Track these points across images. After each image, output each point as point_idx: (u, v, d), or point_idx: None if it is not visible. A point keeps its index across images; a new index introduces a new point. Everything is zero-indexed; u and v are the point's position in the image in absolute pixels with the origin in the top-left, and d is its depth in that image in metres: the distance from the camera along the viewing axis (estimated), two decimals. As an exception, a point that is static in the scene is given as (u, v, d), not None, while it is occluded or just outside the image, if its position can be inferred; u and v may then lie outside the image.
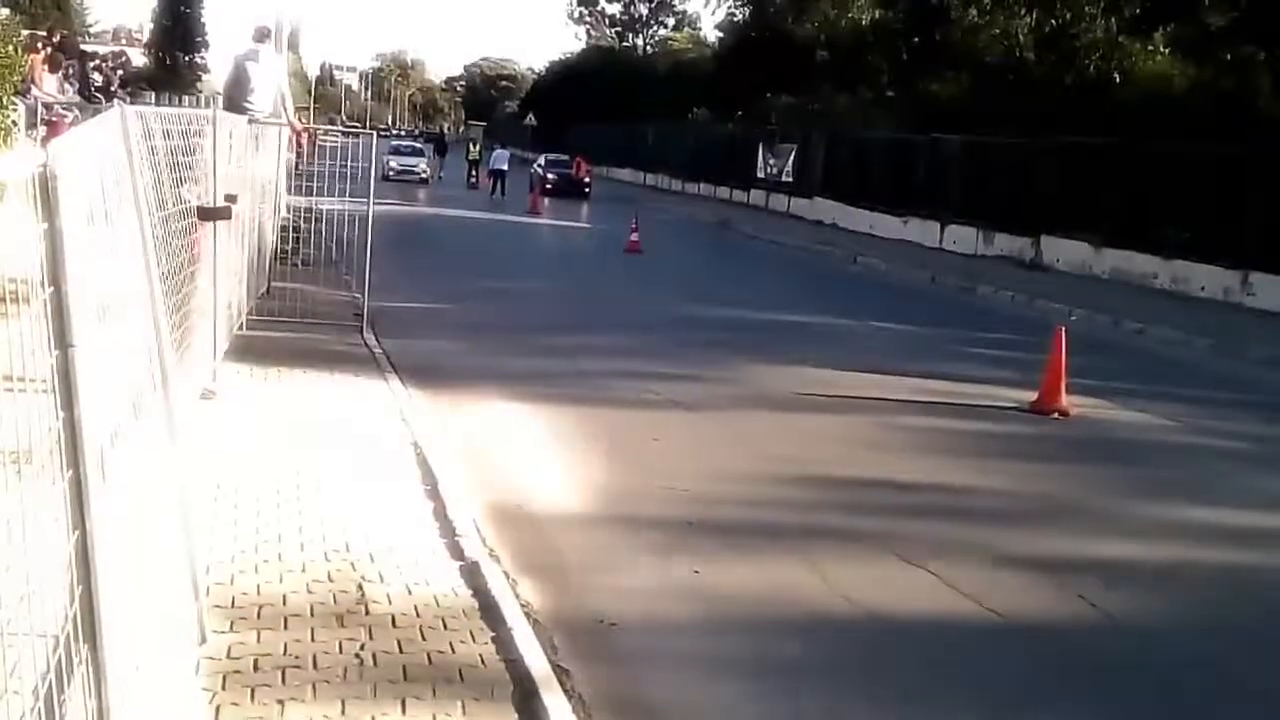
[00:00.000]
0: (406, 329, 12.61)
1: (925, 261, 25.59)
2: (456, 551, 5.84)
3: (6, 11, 15.35)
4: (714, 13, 64.10)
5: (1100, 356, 13.95)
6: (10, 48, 11.94)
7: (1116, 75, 30.75)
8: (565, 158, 46.77)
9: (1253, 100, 25.03)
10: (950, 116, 32.01)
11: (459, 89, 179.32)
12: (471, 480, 7.24)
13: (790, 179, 40.54)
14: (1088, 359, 12.09)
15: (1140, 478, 9.07)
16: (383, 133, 71.08)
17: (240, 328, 10.97)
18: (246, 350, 10.18)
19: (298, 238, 16.70)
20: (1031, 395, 11.03)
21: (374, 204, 12.47)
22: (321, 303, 13.27)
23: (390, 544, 5.84)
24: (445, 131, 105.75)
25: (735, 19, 58.52)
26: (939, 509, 7.69)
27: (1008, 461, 9.29)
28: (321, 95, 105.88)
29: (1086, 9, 33.46)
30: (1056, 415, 10.73)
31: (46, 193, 2.00)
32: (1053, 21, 35.00)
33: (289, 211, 16.56)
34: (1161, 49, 31.33)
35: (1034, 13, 35.72)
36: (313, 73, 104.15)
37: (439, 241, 24.50)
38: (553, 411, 9.57)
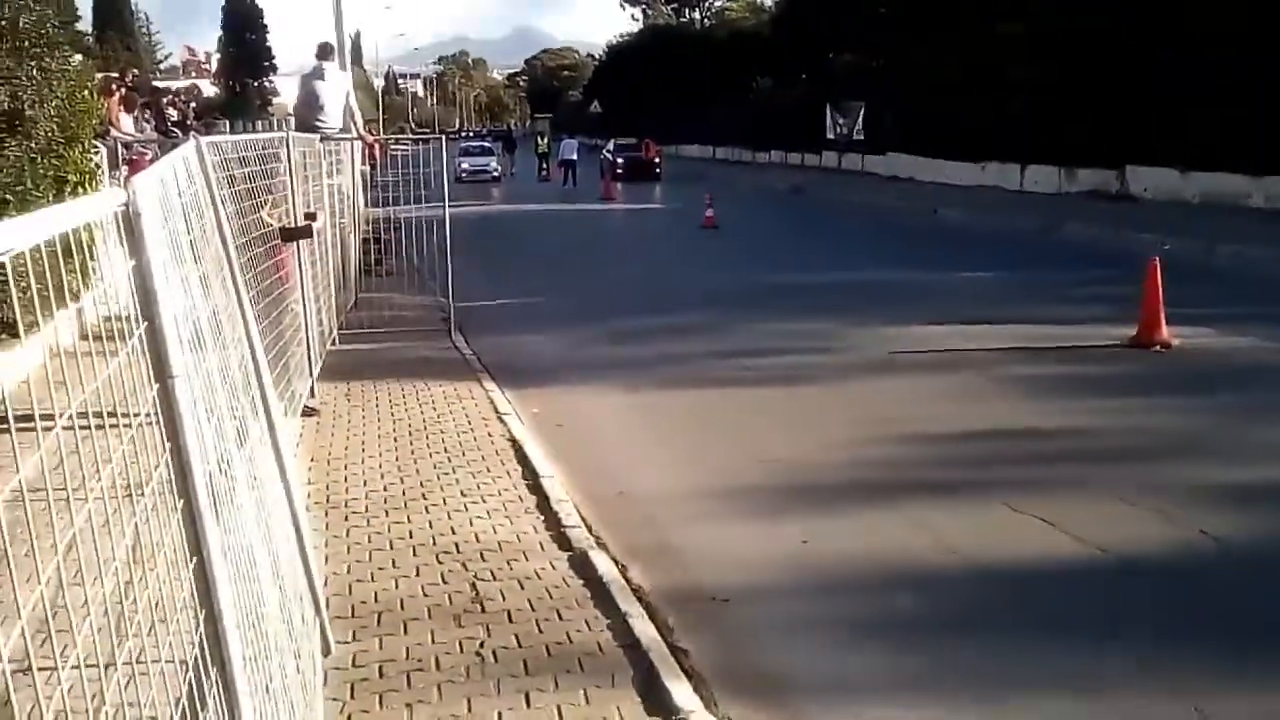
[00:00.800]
0: (493, 327, 12.75)
1: (1007, 205, 25.09)
2: (564, 542, 5.89)
3: (80, 58, 15.71)
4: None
5: (1198, 284, 13.53)
6: (86, 93, 12.25)
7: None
8: (633, 141, 46.71)
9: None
10: (1014, 53, 31.27)
11: (522, 84, 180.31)
12: (572, 471, 7.28)
13: (861, 137, 40.05)
14: (1185, 288, 11.72)
15: (1248, 405, 8.77)
16: (452, 135, 71.82)
17: (333, 342, 11.20)
18: (341, 364, 10.39)
19: (380, 248, 17.00)
20: (1130, 330, 10.77)
21: (450, 207, 12.58)
22: (409, 310, 13.50)
23: (499, 541, 5.91)
24: (512, 127, 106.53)
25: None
26: (1044, 454, 7.55)
27: (1111, 399, 9.06)
28: (389, 104, 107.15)
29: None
30: (1158, 348, 10.47)
31: (131, 230, 2.05)
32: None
33: (369, 223, 16.84)
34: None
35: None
36: (378, 83, 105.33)
37: (517, 237, 24.68)
38: (646, 397, 9.59)
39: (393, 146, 23.35)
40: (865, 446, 7.86)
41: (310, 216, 8.75)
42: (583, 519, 6.30)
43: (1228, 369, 10.02)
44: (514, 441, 7.79)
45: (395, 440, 7.93)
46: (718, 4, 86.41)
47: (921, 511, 6.44)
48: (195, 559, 2.38)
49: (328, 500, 6.56)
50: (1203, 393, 9.28)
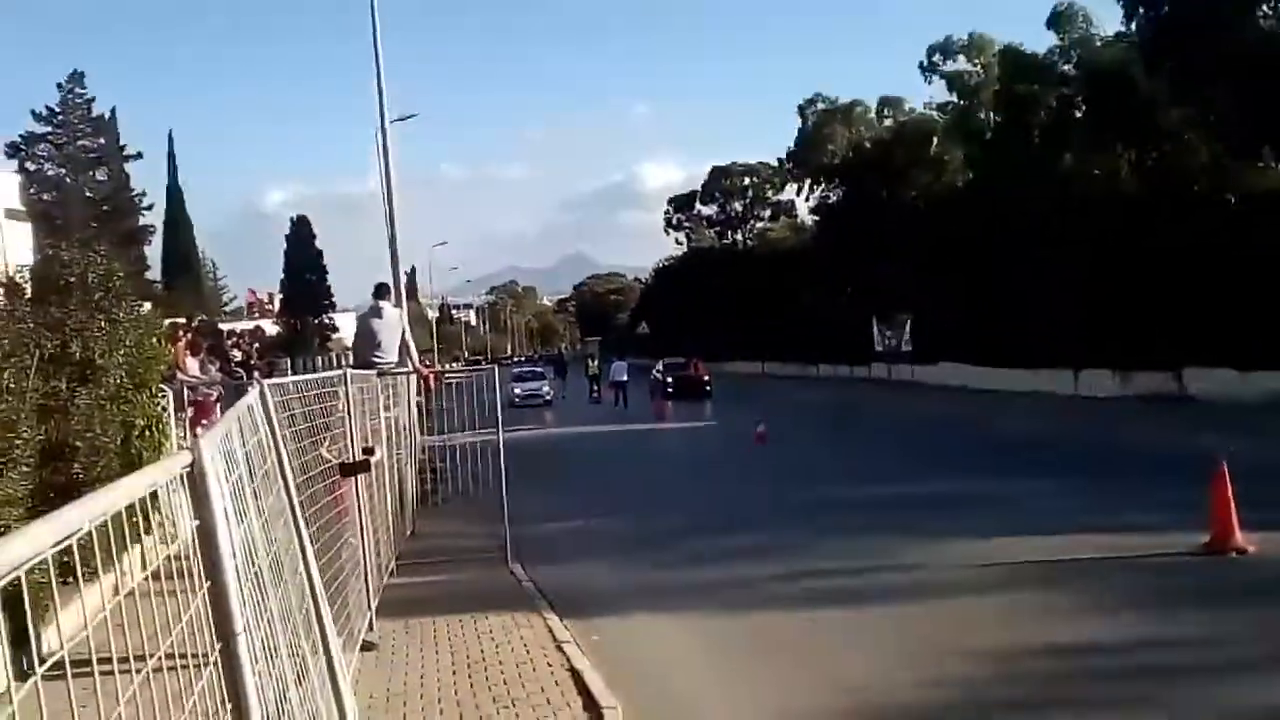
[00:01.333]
0: (551, 555, 12.63)
1: (1063, 410, 24.91)
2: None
3: (148, 306, 16.35)
4: (807, 199, 65.24)
5: (1269, 486, 13.18)
6: (154, 340, 12.67)
7: (1230, 196, 30.26)
8: (682, 360, 47.43)
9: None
10: (1061, 262, 31.75)
11: (571, 309, 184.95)
12: (634, 703, 7.06)
13: (909, 347, 40.34)
14: (1256, 490, 11.42)
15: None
16: (504, 362, 73.34)
17: (391, 574, 11.13)
18: (400, 597, 10.28)
19: (435, 476, 17.11)
20: (1203, 536, 10.46)
21: (503, 432, 12.69)
22: (465, 538, 13.44)
23: (562, 782, 5.69)
24: (563, 351, 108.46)
25: (830, 201, 59.75)
26: (1118, 670, 7.26)
27: (1186, 611, 8.71)
28: (443, 334, 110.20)
29: (1186, 137, 33.32)
30: (1234, 553, 10.13)
31: (196, 492, 2.07)
32: (1153, 154, 34.95)
33: (424, 452, 17.01)
34: (1272, 164, 30.86)
35: (1132, 150, 35.74)
36: (432, 314, 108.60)
37: (571, 460, 24.76)
38: (707, 624, 9.37)
39: (447, 375, 23.85)
40: (941, 668, 7.57)
41: (368, 451, 8.85)
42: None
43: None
44: (574, 671, 7.60)
45: (454, 674, 7.76)
46: (759, 226, 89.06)
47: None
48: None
49: (386, 743, 6.38)
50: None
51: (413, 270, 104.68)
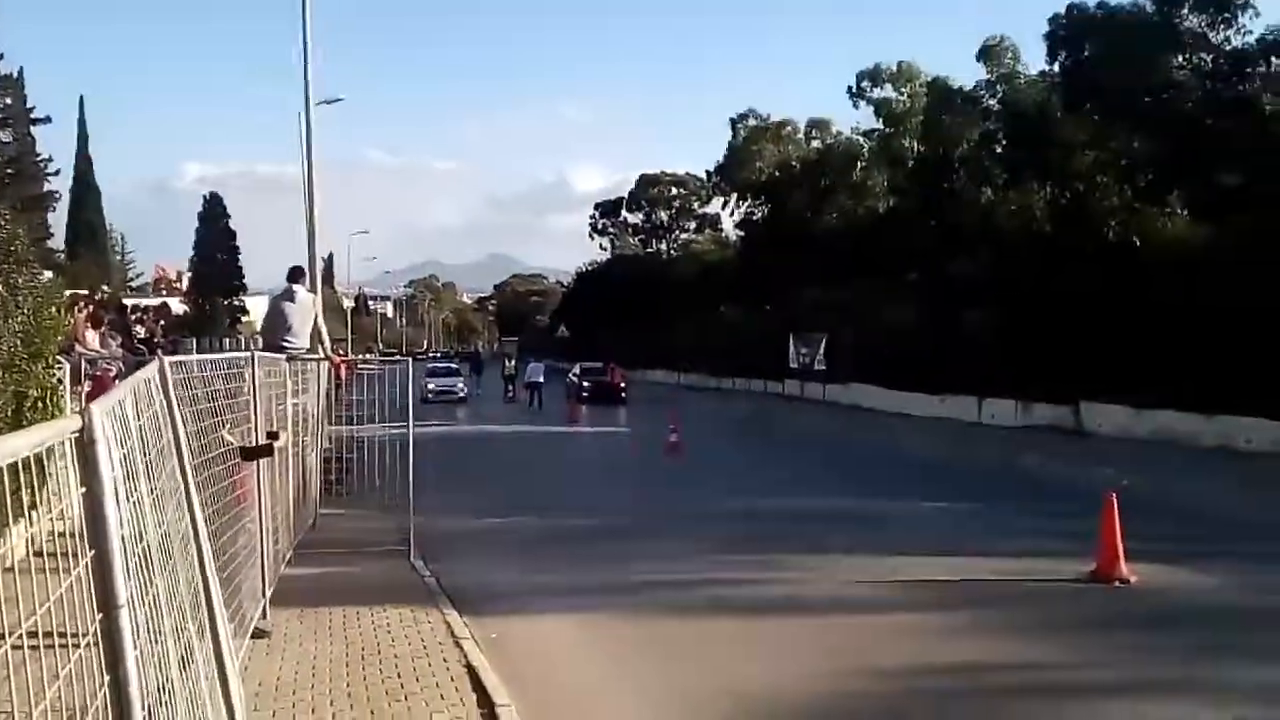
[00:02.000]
0: (454, 551, 12.57)
1: (966, 437, 25.45)
2: (514, 780, 5.67)
3: (49, 275, 15.94)
4: (733, 214, 65.70)
5: (1155, 520, 13.64)
6: (53, 309, 12.37)
7: (1136, 240, 31.17)
8: (599, 365, 47.46)
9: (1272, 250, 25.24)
10: (973, 293, 32.46)
11: (490, 307, 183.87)
12: (529, 703, 7.07)
13: (823, 367, 40.89)
14: (1142, 524, 11.81)
15: (1205, 644, 8.71)
16: (419, 356, 72.57)
17: (289, 563, 10.99)
18: (296, 586, 10.15)
19: (341, 467, 16.92)
20: (1090, 565, 10.79)
21: (415, 426, 12.61)
22: (368, 530, 13.32)
23: (446, 777, 5.68)
24: (480, 349, 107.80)
25: (754, 217, 60.29)
26: (998, 689, 7.51)
27: (1070, 636, 8.98)
28: (358, 325, 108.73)
29: (1100, 179, 34.24)
30: (1117, 583, 10.47)
31: (85, 457, 2.05)
32: (1067, 194, 35.83)
33: (331, 442, 16.80)
34: (1179, 210, 31.82)
35: (1048, 187, 36.61)
36: (348, 304, 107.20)
37: (481, 458, 24.65)
38: (606, 626, 9.42)
39: (359, 366, 23.55)
40: (832, 680, 7.71)
41: (272, 436, 8.73)
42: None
43: (1184, 607, 10.00)
44: (469, 668, 7.59)
45: (347, 666, 7.70)
46: (683, 237, 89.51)
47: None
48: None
49: (271, 728, 6.31)
50: (1159, 630, 9.23)
51: (330, 257, 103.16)
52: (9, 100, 57.88)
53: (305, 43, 23.07)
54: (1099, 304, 26.13)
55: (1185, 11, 30.50)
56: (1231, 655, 8.31)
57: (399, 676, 7.45)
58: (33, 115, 59.09)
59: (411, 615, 9.26)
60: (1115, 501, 10.78)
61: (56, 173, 62.67)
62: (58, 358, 12.49)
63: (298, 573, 10.89)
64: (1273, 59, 30.01)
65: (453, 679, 7.40)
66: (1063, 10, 32.82)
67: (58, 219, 65.06)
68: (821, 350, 41.34)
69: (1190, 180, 30.20)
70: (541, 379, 43.01)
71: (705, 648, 8.67)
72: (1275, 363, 20.82)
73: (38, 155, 59.91)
